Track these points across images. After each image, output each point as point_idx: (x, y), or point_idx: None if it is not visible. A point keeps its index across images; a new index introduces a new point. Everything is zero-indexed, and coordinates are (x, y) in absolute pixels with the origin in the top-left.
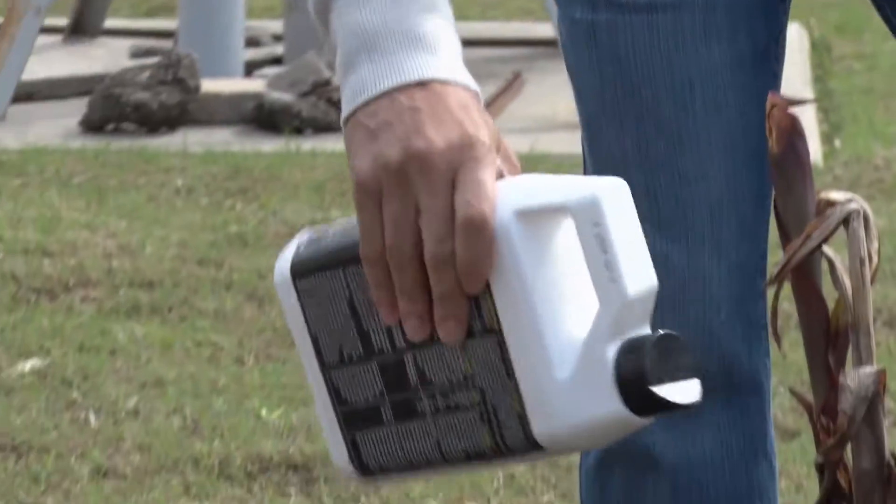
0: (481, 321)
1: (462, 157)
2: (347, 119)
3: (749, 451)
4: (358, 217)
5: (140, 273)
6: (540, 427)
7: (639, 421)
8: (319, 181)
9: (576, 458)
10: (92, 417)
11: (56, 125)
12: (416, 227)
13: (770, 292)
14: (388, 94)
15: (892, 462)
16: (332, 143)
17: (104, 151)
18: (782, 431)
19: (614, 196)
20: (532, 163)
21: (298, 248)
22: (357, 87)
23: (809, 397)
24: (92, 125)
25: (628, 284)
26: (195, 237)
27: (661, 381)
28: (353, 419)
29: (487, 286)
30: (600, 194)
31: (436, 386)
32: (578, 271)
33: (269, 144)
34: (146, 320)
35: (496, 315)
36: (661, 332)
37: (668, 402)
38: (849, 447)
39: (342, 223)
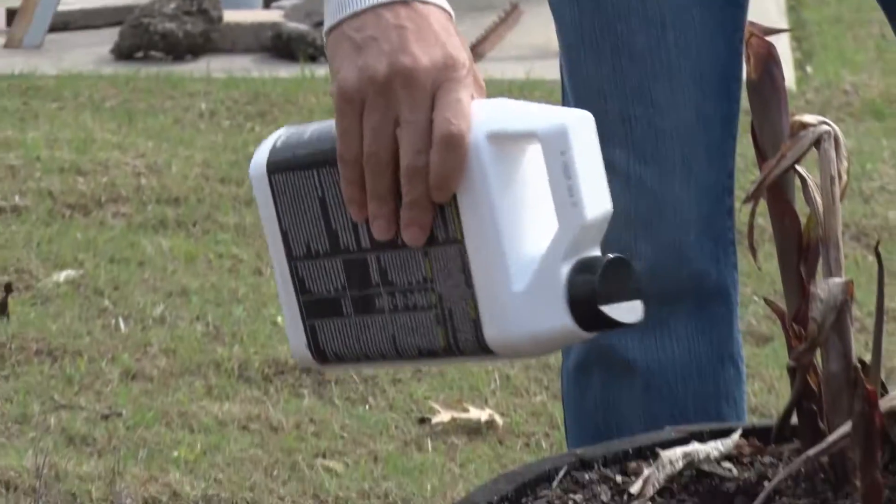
0: (446, 231)
1: (444, 76)
2: (331, 29)
3: (716, 357)
4: (337, 122)
5: (166, 190)
6: (492, 333)
7: (584, 335)
8: (332, 105)
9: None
10: (122, 324)
11: (89, 53)
12: (394, 137)
13: (746, 209)
14: (374, 9)
15: (858, 366)
16: None
17: (134, 77)
18: (756, 337)
19: (581, 127)
20: (528, 88)
21: (275, 143)
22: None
23: (782, 306)
24: (122, 53)
25: (587, 208)
26: (217, 157)
27: (608, 300)
28: (314, 308)
29: (454, 198)
30: (569, 125)
31: (396, 286)
32: (539, 194)
33: (286, 71)
34: (172, 234)
35: (460, 227)
36: (611, 255)
37: (614, 320)
38: (818, 352)
39: (319, 126)
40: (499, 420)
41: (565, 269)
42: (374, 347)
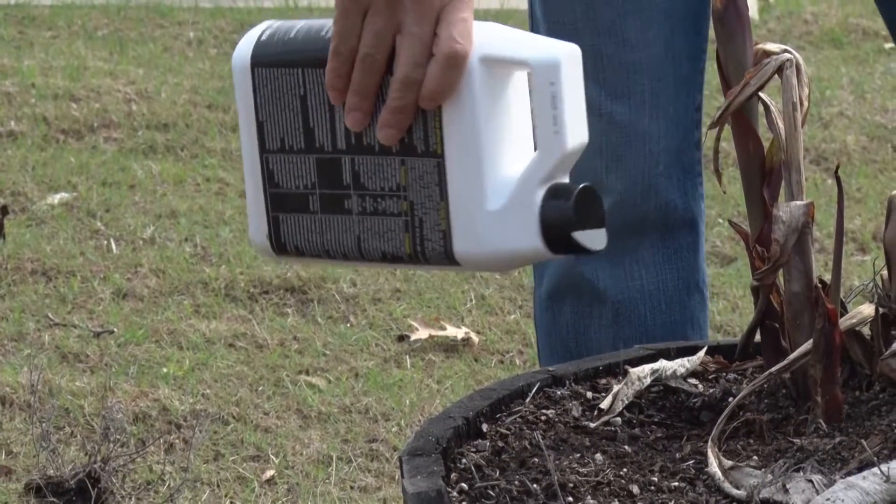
0: (426, 143)
1: None
2: None
3: (682, 285)
4: (338, 20)
5: (156, 116)
6: (461, 247)
7: (551, 256)
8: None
9: None
10: (113, 245)
11: None
12: (392, 43)
13: (712, 135)
14: None
15: (819, 286)
16: (326, 0)
17: (125, 7)
18: (721, 258)
19: (571, 61)
20: (503, 18)
21: (260, 37)
22: None
23: (746, 228)
24: None
25: (569, 138)
26: (205, 84)
27: (578, 227)
28: (280, 201)
29: (439, 112)
30: (561, 58)
31: (368, 190)
32: (519, 120)
33: (271, 1)
34: (161, 158)
35: (442, 141)
36: (582, 184)
37: (581, 246)
38: (781, 273)
39: (308, 25)
40: (474, 338)
41: (540, 194)
42: (337, 247)
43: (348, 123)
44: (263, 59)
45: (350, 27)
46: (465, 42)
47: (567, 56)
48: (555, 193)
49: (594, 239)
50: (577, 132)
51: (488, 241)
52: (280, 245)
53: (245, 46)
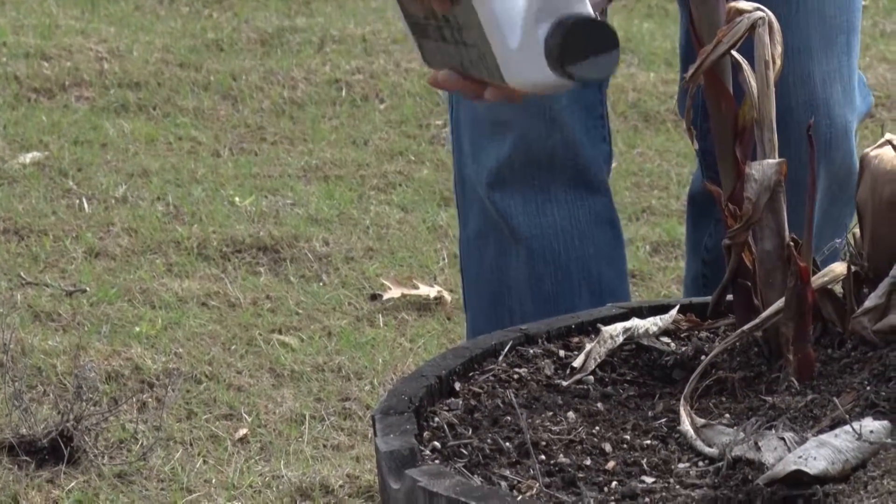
0: None
1: None
2: None
3: (594, 220)
4: None
5: (128, 74)
6: (509, 77)
7: (571, 83)
8: None
9: None
10: (85, 204)
11: None
12: None
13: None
14: None
15: (791, 244)
16: None
17: None
18: None
19: None
20: None
21: None
22: None
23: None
24: None
25: None
26: (177, 42)
27: (576, 59)
28: (415, 29)
29: None
30: None
31: (451, 25)
32: None
33: None
34: (133, 117)
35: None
36: (577, 17)
37: (583, 77)
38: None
39: None
40: (447, 296)
41: (543, 29)
42: (456, 63)
43: (434, 6)
44: None
45: None
46: None
47: None
48: (556, 28)
49: (598, 66)
50: None
51: (521, 74)
52: (427, 60)
53: None
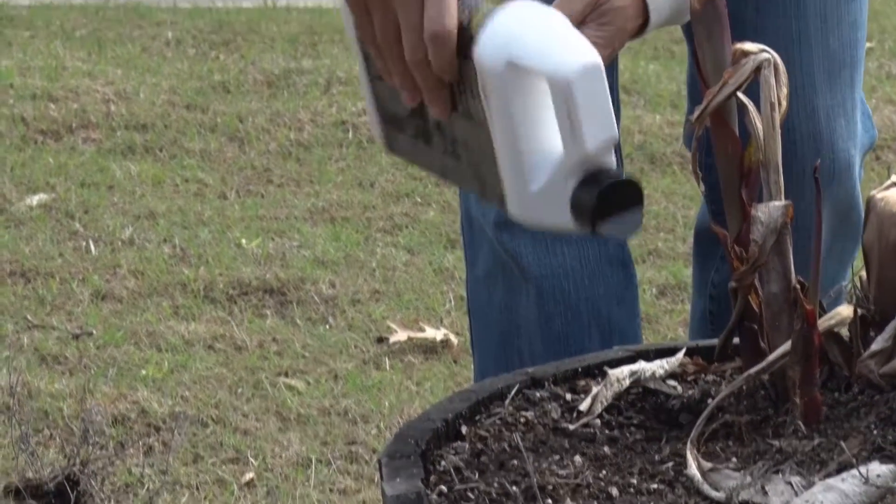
0: (480, 115)
1: None
2: None
3: (604, 260)
4: (354, 17)
5: (135, 116)
6: (514, 212)
7: (588, 231)
8: (293, 34)
9: None
10: (92, 246)
11: None
12: (398, 33)
13: (630, 114)
14: None
15: (798, 286)
16: (304, 1)
17: (103, 7)
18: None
19: (587, 75)
20: None
21: None
22: None
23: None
24: None
25: (588, 143)
26: (183, 84)
27: (606, 216)
28: (386, 118)
29: (480, 96)
30: (573, 75)
31: (447, 135)
32: (550, 110)
33: (250, 1)
34: (140, 159)
35: (489, 117)
36: (612, 179)
37: (609, 234)
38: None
39: None
40: (454, 339)
41: (573, 182)
42: (430, 167)
43: (403, 100)
44: None
45: (363, 21)
46: (442, 19)
47: (582, 70)
48: (588, 181)
49: (625, 224)
50: (598, 134)
51: (533, 214)
52: (392, 148)
53: None
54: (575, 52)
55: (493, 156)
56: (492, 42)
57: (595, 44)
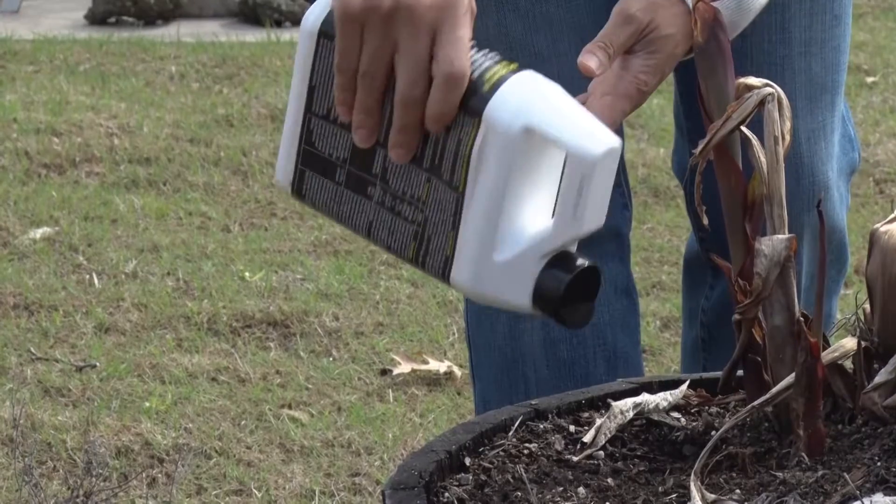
0: (451, 175)
1: (444, 14)
2: None
3: (609, 287)
4: (338, 38)
5: (138, 150)
6: (458, 276)
7: (535, 314)
8: None
9: None
10: (95, 279)
11: (64, 18)
12: (390, 62)
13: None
14: None
15: (801, 319)
16: None
17: (107, 42)
18: None
19: (609, 156)
20: None
21: (332, 9)
22: None
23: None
24: (96, 18)
25: (585, 226)
26: (187, 118)
27: (564, 304)
28: (310, 159)
29: (470, 153)
30: (599, 155)
31: (391, 188)
32: (548, 185)
33: (253, 35)
34: (143, 192)
35: (465, 181)
36: (581, 265)
37: (564, 319)
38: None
39: None
40: (457, 371)
41: (541, 264)
42: (349, 219)
43: (355, 140)
44: (331, 31)
45: (349, 45)
46: (461, 61)
47: (606, 152)
48: (554, 265)
49: (579, 313)
50: (594, 218)
51: (484, 284)
52: (299, 193)
53: (316, 14)
54: (600, 132)
55: (451, 216)
56: (508, 103)
57: (644, 72)
